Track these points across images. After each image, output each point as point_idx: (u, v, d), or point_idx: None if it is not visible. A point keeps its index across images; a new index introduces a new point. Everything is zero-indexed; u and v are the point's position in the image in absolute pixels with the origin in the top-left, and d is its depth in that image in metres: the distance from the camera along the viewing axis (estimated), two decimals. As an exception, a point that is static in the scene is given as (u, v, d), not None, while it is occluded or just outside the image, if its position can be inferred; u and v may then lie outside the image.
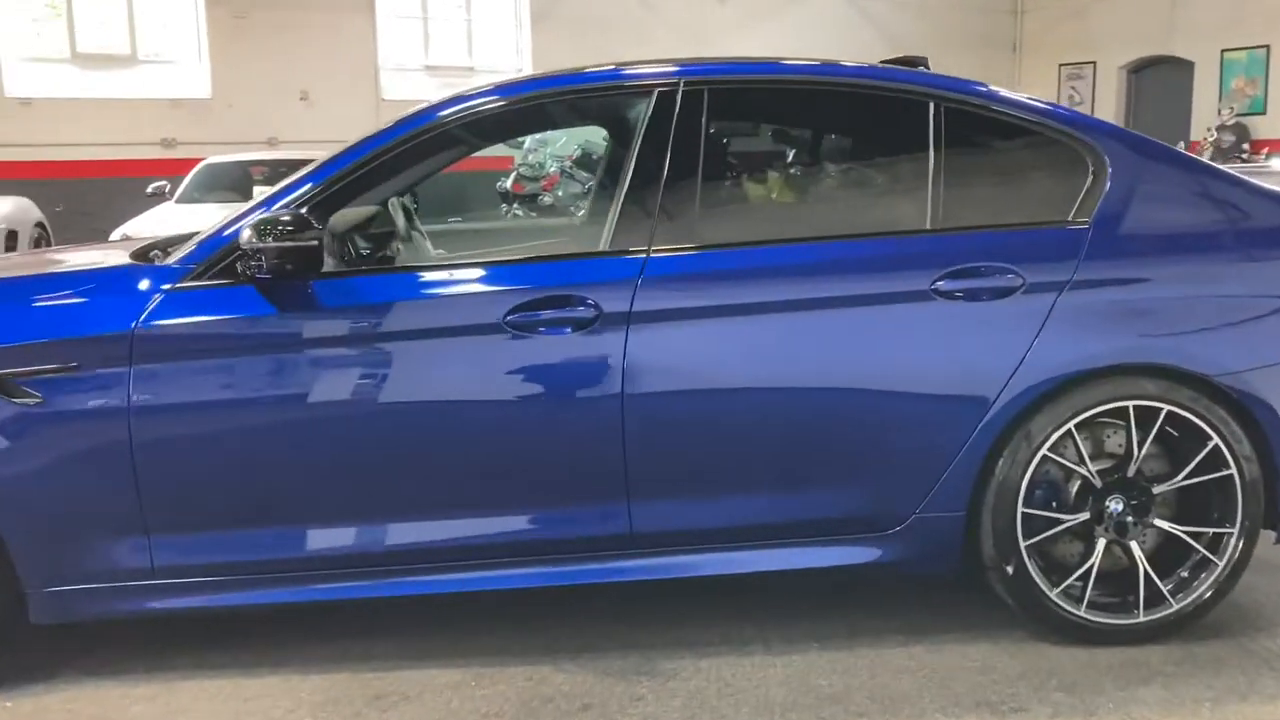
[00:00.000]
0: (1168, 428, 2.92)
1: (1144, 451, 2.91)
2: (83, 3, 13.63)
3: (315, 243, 2.65)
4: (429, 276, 2.94)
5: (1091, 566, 2.93)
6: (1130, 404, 2.89)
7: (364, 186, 2.93)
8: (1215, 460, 2.90)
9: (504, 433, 2.80)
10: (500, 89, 3.06)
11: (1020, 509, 2.90)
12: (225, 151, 11.17)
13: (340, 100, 14.31)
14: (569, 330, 2.78)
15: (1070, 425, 2.88)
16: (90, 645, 3.03)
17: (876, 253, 2.92)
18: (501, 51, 16.17)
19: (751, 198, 3.19)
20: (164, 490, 2.75)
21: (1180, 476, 2.94)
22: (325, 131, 11.07)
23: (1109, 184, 2.98)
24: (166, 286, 2.77)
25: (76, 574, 2.77)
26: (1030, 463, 2.88)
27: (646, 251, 2.85)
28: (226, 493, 2.79)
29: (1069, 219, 2.96)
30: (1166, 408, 2.88)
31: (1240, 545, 2.94)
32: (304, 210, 2.77)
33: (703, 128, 2.94)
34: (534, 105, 3.11)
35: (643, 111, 2.96)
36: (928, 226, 2.94)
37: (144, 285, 2.78)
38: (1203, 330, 2.90)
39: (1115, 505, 2.94)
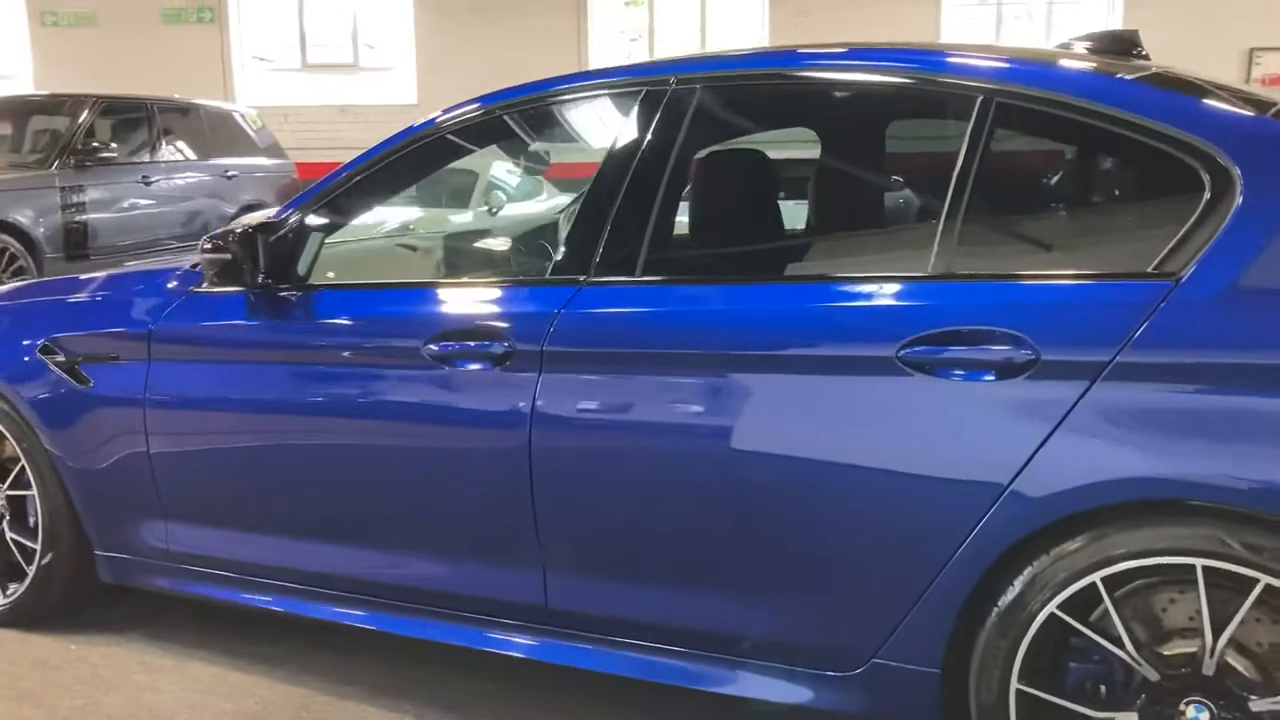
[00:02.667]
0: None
1: (1225, 639, 1.86)
2: (664, 17, 14.89)
3: (230, 257, 2.64)
4: (354, 296, 2.76)
5: (1141, 794, 1.94)
6: (1199, 563, 1.85)
7: (353, 201, 2.85)
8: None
9: (412, 466, 2.57)
10: (461, 106, 2.77)
11: (1015, 685, 2.01)
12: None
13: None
14: (487, 366, 2.46)
15: (1095, 578, 1.92)
16: (163, 613, 3.28)
17: (831, 303, 2.17)
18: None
19: (717, 224, 2.54)
20: (173, 481, 2.94)
21: (1298, 690, 1.83)
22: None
23: (1233, 217, 1.92)
24: (189, 290, 2.94)
25: (120, 544, 3.07)
26: (1029, 623, 1.98)
27: (581, 282, 2.42)
28: (212, 491, 2.90)
29: (1147, 269, 1.95)
30: (1266, 579, 1.81)
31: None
32: (307, 217, 2.78)
33: (679, 136, 2.42)
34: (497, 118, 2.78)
35: (627, 116, 2.51)
36: (929, 271, 2.12)
37: (176, 287, 2.98)
38: None
39: (1196, 714, 1.91)
